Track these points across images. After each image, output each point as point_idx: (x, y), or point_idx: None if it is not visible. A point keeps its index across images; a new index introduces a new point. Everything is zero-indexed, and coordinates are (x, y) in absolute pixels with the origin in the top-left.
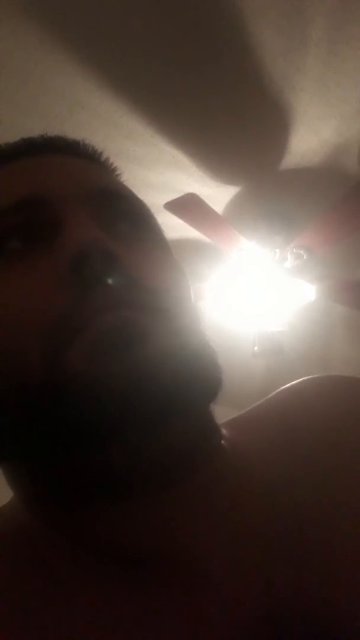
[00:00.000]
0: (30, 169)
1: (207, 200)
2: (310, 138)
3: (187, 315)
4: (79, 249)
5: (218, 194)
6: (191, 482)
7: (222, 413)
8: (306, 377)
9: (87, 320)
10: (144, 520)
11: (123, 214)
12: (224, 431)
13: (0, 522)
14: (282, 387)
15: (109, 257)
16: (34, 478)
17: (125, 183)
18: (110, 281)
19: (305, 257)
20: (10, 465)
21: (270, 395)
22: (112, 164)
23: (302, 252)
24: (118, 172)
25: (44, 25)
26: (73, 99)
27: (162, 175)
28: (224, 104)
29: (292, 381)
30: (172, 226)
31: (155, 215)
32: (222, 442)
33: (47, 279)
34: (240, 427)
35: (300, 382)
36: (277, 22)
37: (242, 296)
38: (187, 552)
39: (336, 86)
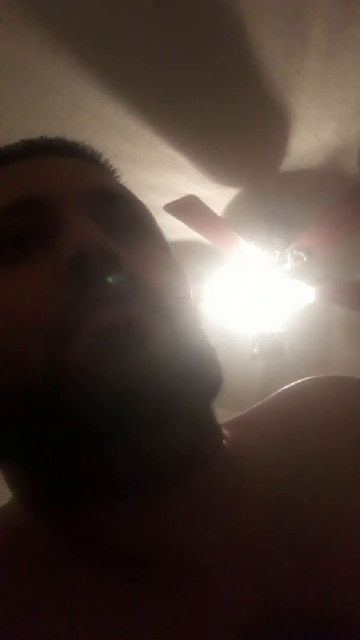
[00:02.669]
0: (30, 170)
1: (206, 202)
2: (309, 140)
3: (187, 315)
4: (78, 249)
5: (218, 196)
6: (192, 482)
7: (222, 414)
8: (306, 378)
9: (86, 314)
10: (144, 519)
11: (122, 215)
12: (224, 431)
13: (0, 521)
14: (283, 388)
15: (108, 257)
16: (33, 478)
17: (124, 184)
18: (109, 280)
19: (304, 259)
20: (10, 464)
21: (271, 396)
22: (111, 165)
23: (301, 253)
24: (117, 173)
25: (45, 26)
26: (73, 101)
27: (162, 177)
28: (223, 106)
29: (292, 382)
30: (172, 228)
31: (154, 217)
32: (223, 442)
33: (46, 278)
34: (240, 427)
35: (300, 383)
36: (277, 24)
37: (241, 298)
38: (187, 552)
39: (335, 88)
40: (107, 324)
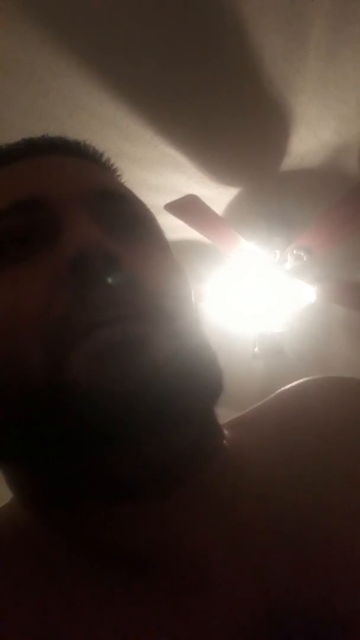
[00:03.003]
0: (31, 169)
1: (207, 202)
2: (309, 139)
3: (187, 317)
4: (79, 250)
5: (218, 196)
6: (192, 483)
7: (222, 414)
8: (306, 378)
9: (87, 326)
10: (145, 521)
11: (123, 215)
12: (225, 431)
13: (0, 522)
14: (283, 388)
15: (109, 258)
16: (34, 479)
17: (125, 184)
18: (110, 281)
19: (305, 259)
20: (11, 465)
21: (271, 396)
22: (112, 164)
23: (302, 253)
24: (119, 173)
25: (45, 26)
26: (73, 100)
27: (162, 177)
28: (223, 106)
29: (292, 382)
30: (172, 227)
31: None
32: (224, 442)
33: (47, 279)
34: (240, 427)
35: (300, 383)
36: (277, 23)
37: (242, 297)
38: (187, 552)
39: (335, 87)
40: (108, 339)
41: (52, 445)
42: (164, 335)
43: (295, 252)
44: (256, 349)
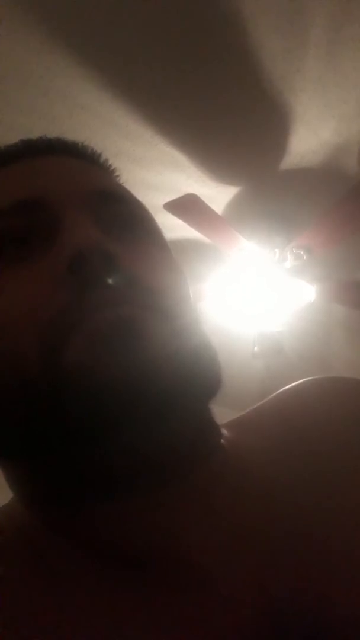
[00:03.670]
0: (30, 170)
1: (206, 201)
2: (309, 138)
3: (186, 315)
4: (78, 250)
5: (218, 195)
6: (190, 482)
7: (222, 414)
8: (307, 379)
9: (85, 316)
10: (142, 519)
11: (122, 216)
12: (224, 431)
13: (0, 521)
14: (283, 388)
15: (107, 258)
16: (33, 477)
17: (124, 184)
18: (109, 281)
19: (305, 258)
20: (10, 464)
21: (271, 396)
22: (111, 165)
23: (301, 252)
24: (117, 173)
25: (45, 26)
26: (73, 100)
27: (162, 176)
28: (223, 105)
29: (292, 382)
30: (172, 226)
31: (154, 216)
32: (222, 442)
33: (46, 279)
34: (240, 427)
35: (300, 383)
36: (277, 23)
37: (241, 297)
38: (186, 552)
39: (335, 87)
40: (106, 325)
41: (51, 444)
42: (163, 334)
43: (295, 251)
44: (256, 348)
